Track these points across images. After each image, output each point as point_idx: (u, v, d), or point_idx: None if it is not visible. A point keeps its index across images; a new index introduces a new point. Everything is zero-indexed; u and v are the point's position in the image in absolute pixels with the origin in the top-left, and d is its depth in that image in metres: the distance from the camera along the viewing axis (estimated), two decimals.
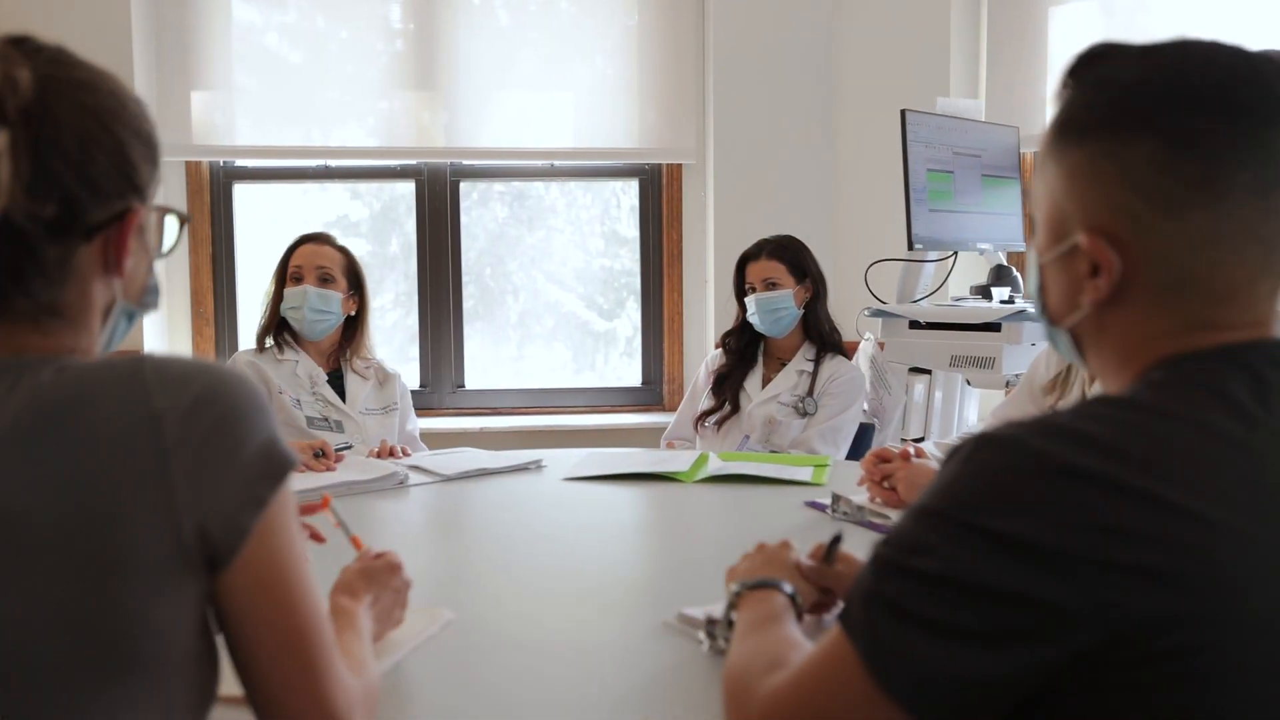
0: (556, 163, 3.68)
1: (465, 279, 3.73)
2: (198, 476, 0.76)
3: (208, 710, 0.84)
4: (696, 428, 2.77)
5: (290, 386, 2.45)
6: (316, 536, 1.35)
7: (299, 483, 1.97)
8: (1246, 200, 0.77)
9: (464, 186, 3.73)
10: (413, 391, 3.59)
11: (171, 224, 0.92)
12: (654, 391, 3.80)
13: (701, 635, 1.19)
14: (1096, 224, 0.82)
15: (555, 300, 3.85)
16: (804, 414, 2.64)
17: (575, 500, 2.02)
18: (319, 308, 2.47)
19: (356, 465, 2.17)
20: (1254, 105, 0.77)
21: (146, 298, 0.91)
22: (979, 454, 0.76)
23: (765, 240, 2.75)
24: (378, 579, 1.18)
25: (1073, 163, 0.83)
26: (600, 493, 2.07)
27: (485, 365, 3.80)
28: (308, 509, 1.32)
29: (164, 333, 3.50)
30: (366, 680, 0.95)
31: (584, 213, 3.84)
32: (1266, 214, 0.78)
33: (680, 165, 3.71)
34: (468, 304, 3.75)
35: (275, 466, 0.80)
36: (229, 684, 0.85)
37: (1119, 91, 0.81)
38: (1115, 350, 0.85)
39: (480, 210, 3.77)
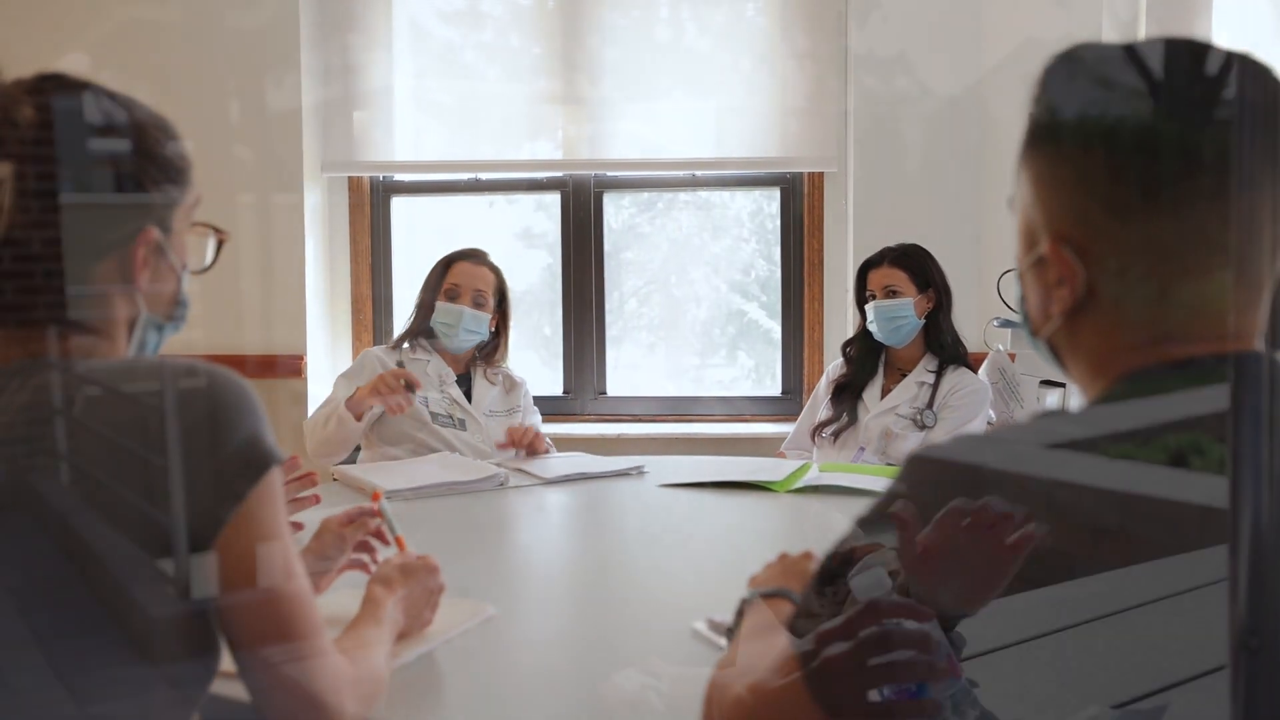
0: (698, 173, 3.71)
1: (649, 288, 3.82)
2: (179, 470, 0.83)
3: (202, 687, 0.91)
4: (814, 438, 2.73)
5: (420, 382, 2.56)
6: (379, 535, 1.42)
7: (405, 479, 2.08)
8: (1206, 208, 0.73)
9: (647, 197, 3.82)
10: (555, 398, 3.73)
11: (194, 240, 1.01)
12: (794, 401, 3.76)
13: (724, 642, 1.20)
14: (1060, 232, 0.79)
15: (737, 309, 3.86)
16: (922, 426, 2.56)
17: (664, 506, 2.05)
18: (472, 329, 2.59)
19: (459, 466, 2.26)
20: (1215, 109, 0.72)
21: (176, 311, 0.99)
22: (912, 470, 0.76)
23: (888, 248, 2.69)
24: (415, 576, 1.24)
25: (1039, 169, 0.81)
26: (692, 499, 2.08)
27: (665, 373, 3.85)
28: (364, 512, 1.39)
29: (328, 338, 3.74)
30: (367, 667, 1.00)
31: (770, 221, 3.84)
32: (1228, 222, 0.73)
33: (821, 174, 3.67)
34: (653, 314, 3.84)
35: (255, 463, 0.86)
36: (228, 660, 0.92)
37: (1081, 96, 0.78)
38: (1088, 362, 0.82)
39: (665, 219, 3.84)
